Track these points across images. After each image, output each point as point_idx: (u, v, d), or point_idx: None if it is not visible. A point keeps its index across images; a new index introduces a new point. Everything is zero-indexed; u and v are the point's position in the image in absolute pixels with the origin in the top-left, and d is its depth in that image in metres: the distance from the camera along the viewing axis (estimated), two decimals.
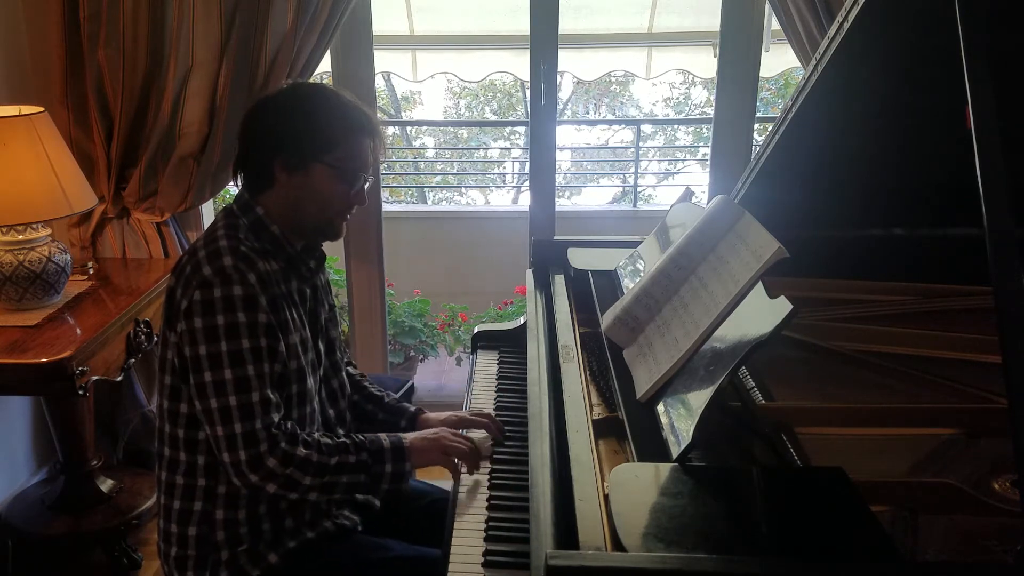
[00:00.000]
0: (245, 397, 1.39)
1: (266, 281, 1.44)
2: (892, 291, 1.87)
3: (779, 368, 1.55)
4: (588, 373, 1.59)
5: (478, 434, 1.67)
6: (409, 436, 1.55)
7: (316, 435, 1.47)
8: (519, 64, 5.31)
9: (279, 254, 1.51)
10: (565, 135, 9.11)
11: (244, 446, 1.38)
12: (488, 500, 1.48)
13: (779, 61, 5.05)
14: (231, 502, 1.49)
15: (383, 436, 1.53)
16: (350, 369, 1.82)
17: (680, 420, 1.24)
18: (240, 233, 1.48)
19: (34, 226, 2.21)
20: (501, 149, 10.14)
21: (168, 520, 1.52)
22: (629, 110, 10.31)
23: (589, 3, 5.60)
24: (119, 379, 2.28)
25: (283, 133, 1.47)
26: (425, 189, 8.29)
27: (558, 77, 2.85)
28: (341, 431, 1.58)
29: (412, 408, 1.79)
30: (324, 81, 5.57)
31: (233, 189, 2.93)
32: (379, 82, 7.15)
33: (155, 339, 2.36)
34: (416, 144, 10.01)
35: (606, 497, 1.13)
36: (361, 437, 1.51)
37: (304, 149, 1.47)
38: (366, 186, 1.55)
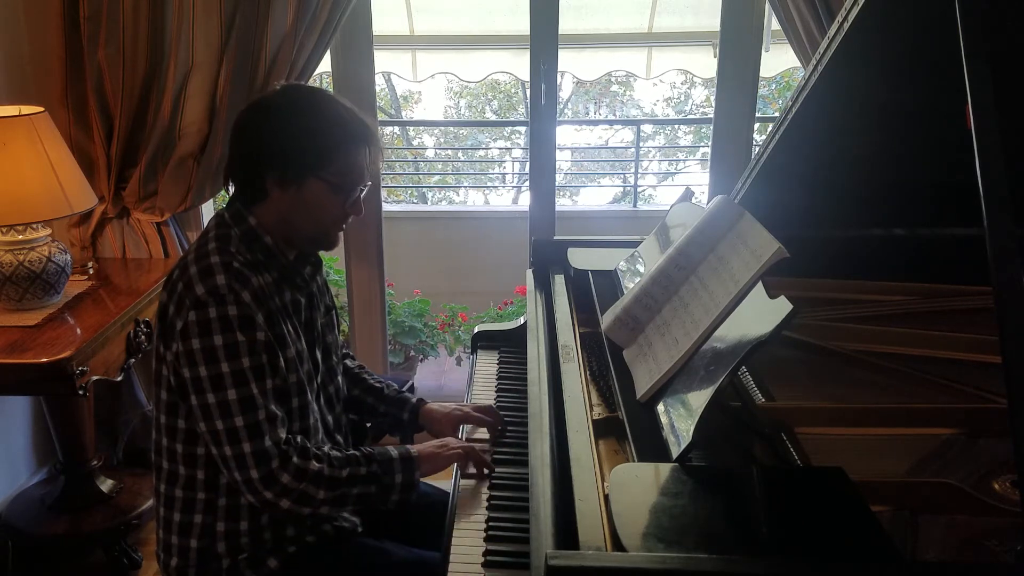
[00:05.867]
0: (251, 416, 1.37)
1: (260, 297, 1.40)
2: (892, 291, 1.87)
3: (779, 368, 1.55)
4: (588, 373, 1.59)
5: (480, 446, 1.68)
6: (416, 446, 1.54)
7: (325, 448, 1.46)
8: (519, 64, 5.31)
9: (272, 265, 1.47)
10: (565, 135, 9.12)
11: (255, 464, 1.36)
12: (488, 500, 1.49)
13: (779, 61, 5.05)
14: (232, 514, 1.47)
15: (390, 448, 1.52)
16: (348, 362, 1.81)
17: (680, 420, 1.24)
18: (231, 245, 1.44)
19: (34, 226, 2.20)
20: (501, 149, 10.15)
21: (168, 532, 1.51)
22: (629, 110, 10.31)
23: (589, 3, 5.60)
24: (119, 379, 2.28)
25: (276, 147, 1.43)
26: (425, 189, 8.29)
27: (558, 77, 2.85)
28: (342, 447, 1.54)
29: (414, 399, 1.78)
30: (324, 82, 5.59)
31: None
32: (379, 82, 7.15)
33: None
34: (415, 144, 10.02)
35: (606, 497, 1.13)
36: (369, 449, 1.50)
37: (298, 164, 1.43)
38: (362, 195, 1.51)
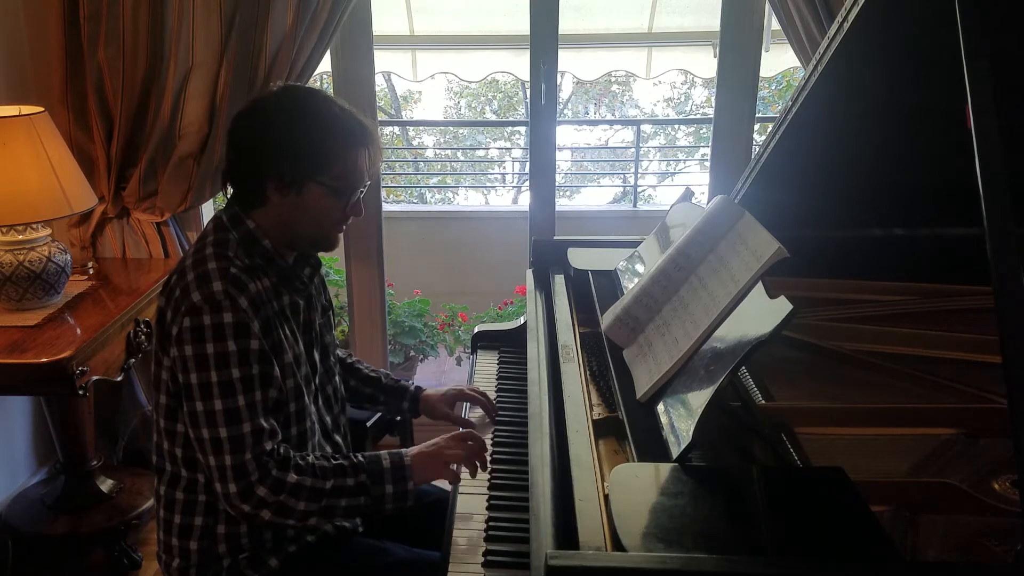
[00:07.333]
0: (235, 429, 1.36)
1: (258, 303, 1.39)
2: (892, 291, 1.87)
3: (779, 368, 1.55)
4: (588, 373, 1.59)
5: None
6: (410, 452, 1.48)
7: (311, 458, 1.42)
8: (519, 64, 5.31)
9: (271, 269, 1.47)
10: (565, 135, 9.11)
11: (234, 478, 1.36)
12: (488, 500, 1.49)
13: (779, 61, 5.05)
14: (232, 516, 1.46)
15: (383, 455, 1.47)
16: (340, 352, 1.81)
17: (680, 420, 1.24)
18: (229, 250, 1.43)
19: (34, 226, 2.20)
20: (501, 149, 10.14)
21: (169, 533, 1.51)
22: (629, 110, 10.31)
23: (589, 3, 5.61)
24: (119, 379, 2.28)
25: (274, 152, 1.41)
26: (424, 189, 8.29)
27: (558, 77, 2.85)
28: (338, 456, 1.49)
29: (412, 387, 1.82)
30: (324, 82, 5.59)
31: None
32: (379, 82, 7.14)
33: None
34: (415, 144, 10.01)
35: (606, 497, 1.13)
36: (360, 458, 1.46)
37: (297, 170, 1.41)
38: (362, 196, 1.50)
